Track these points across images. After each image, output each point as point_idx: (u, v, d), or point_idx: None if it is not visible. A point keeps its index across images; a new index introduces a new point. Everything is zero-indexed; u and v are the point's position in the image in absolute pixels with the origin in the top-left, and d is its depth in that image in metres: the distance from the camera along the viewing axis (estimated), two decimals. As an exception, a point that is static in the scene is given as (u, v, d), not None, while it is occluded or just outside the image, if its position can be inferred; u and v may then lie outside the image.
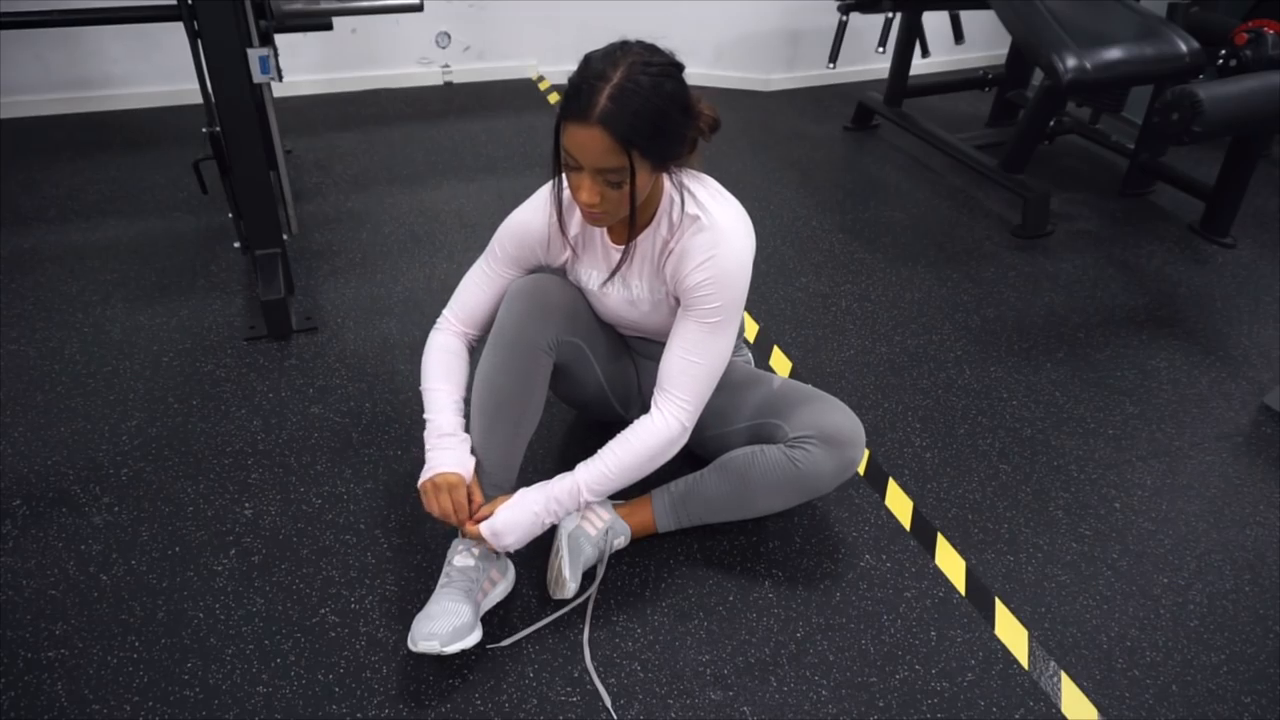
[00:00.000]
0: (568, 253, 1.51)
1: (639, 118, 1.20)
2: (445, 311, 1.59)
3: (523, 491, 1.45)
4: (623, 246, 1.44)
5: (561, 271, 1.56)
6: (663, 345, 1.46)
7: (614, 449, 1.44)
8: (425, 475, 1.45)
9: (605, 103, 1.19)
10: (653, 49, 1.26)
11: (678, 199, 1.38)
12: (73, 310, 2.23)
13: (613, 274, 1.47)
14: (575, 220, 1.46)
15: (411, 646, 1.34)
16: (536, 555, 1.55)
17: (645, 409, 1.46)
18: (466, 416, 1.52)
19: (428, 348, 1.56)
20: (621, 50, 1.23)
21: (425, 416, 1.50)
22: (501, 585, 1.50)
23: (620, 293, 1.51)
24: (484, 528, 1.42)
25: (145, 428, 1.87)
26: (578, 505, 1.45)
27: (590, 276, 1.53)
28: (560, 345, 1.50)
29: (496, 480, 1.49)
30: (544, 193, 1.47)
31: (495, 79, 3.86)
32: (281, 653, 1.43)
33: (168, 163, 2.96)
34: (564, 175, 1.31)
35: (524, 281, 1.50)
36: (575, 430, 1.92)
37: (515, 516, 1.42)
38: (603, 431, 1.65)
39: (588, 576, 1.54)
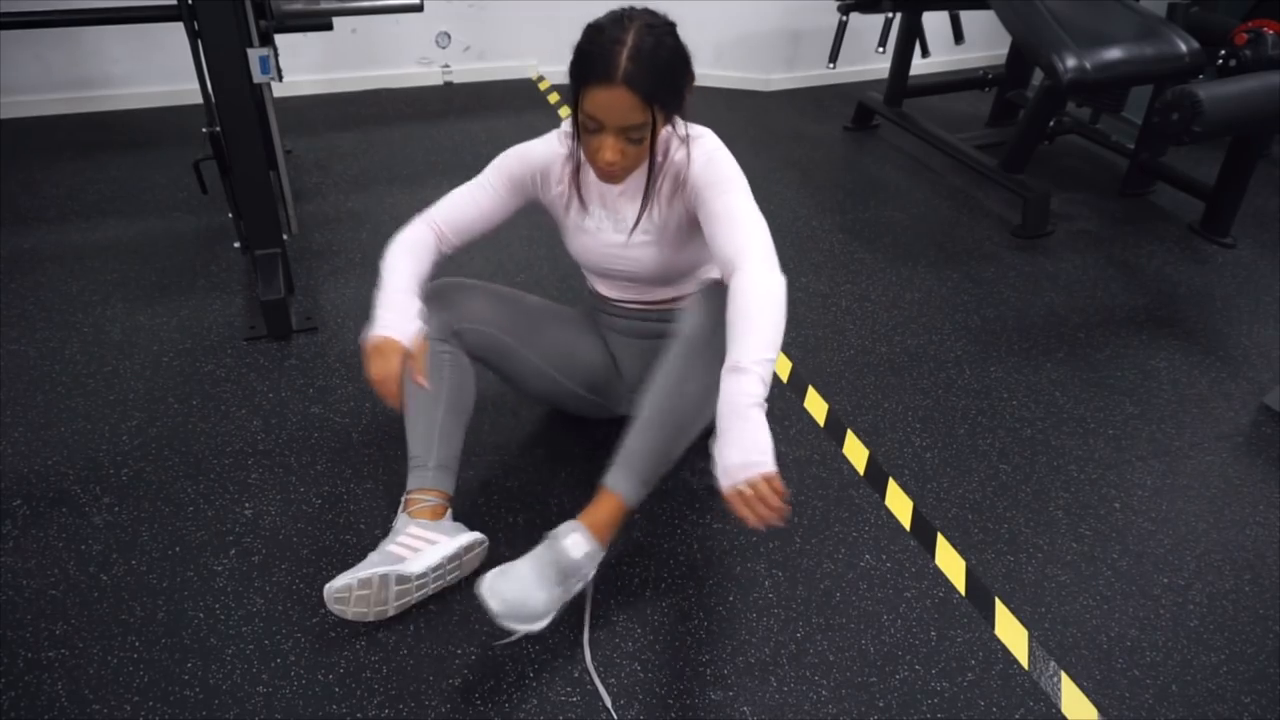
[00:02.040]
0: (563, 193, 1.55)
1: (657, 74, 1.29)
2: (427, 211, 1.56)
3: (721, 423, 1.22)
4: (619, 184, 1.50)
5: (547, 211, 1.61)
6: (646, 312, 1.54)
7: (745, 314, 1.26)
8: (368, 336, 1.42)
9: (626, 64, 1.26)
10: (650, 12, 1.34)
11: (671, 143, 1.47)
12: (73, 310, 2.23)
13: (642, 209, 1.50)
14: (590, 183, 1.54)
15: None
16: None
17: (631, 394, 1.48)
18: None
19: (393, 241, 1.52)
20: (626, 15, 1.31)
21: (379, 288, 1.47)
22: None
23: (613, 227, 1.55)
24: (727, 474, 1.17)
25: (145, 428, 1.87)
26: (763, 381, 1.21)
27: (584, 215, 1.57)
28: (464, 333, 1.57)
29: (424, 461, 1.51)
30: (552, 135, 1.54)
31: (495, 79, 3.86)
32: (281, 653, 1.43)
33: (168, 163, 2.96)
34: (578, 143, 1.38)
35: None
36: (570, 431, 1.92)
37: (740, 442, 1.18)
38: (595, 429, 1.65)
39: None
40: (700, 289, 1.47)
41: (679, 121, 1.45)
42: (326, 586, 1.38)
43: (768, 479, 1.16)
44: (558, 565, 1.32)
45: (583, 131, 1.36)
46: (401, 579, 1.42)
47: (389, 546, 1.45)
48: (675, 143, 1.47)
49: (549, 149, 1.54)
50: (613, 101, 1.29)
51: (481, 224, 1.57)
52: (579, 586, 1.38)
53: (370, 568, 1.41)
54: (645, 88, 1.28)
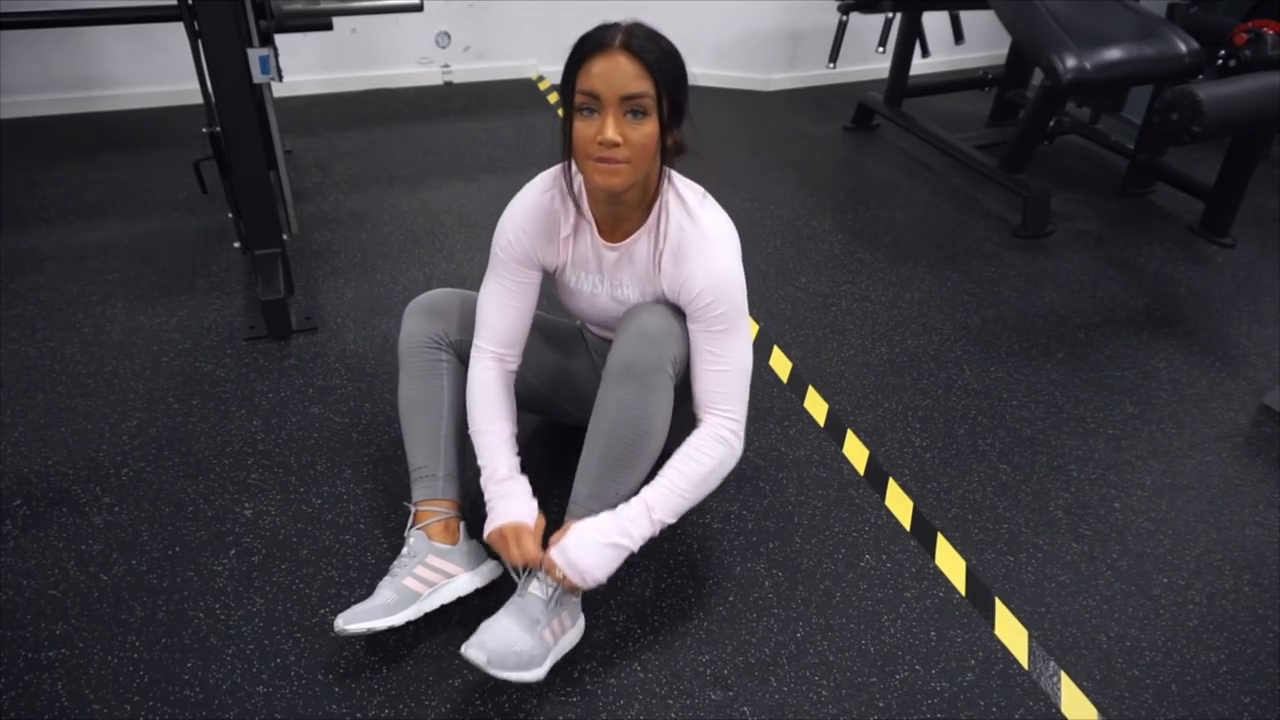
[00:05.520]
0: (556, 250, 1.47)
1: (659, 49, 1.25)
2: (475, 339, 1.52)
3: (584, 521, 1.38)
4: (615, 245, 1.43)
5: (554, 272, 1.53)
6: None
7: (676, 466, 1.39)
8: (492, 524, 1.41)
9: (623, 35, 1.23)
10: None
11: (670, 202, 1.38)
12: (73, 310, 2.23)
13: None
14: (570, 221, 1.45)
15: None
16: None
17: None
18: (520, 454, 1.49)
19: (469, 387, 1.50)
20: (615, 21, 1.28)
21: (479, 463, 1.46)
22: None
23: (609, 292, 1.49)
24: (557, 559, 1.33)
25: (145, 428, 1.87)
26: (652, 526, 1.36)
27: (578, 278, 1.51)
28: (457, 344, 1.55)
29: (432, 471, 1.50)
30: (531, 186, 1.46)
31: (495, 79, 3.86)
32: (281, 653, 1.43)
33: (168, 163, 2.96)
34: (574, 131, 1.28)
35: (416, 298, 1.57)
36: (566, 436, 1.92)
37: (583, 543, 1.34)
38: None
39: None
40: (628, 310, 1.44)
41: (679, 193, 1.39)
42: (344, 624, 1.34)
43: (570, 585, 1.35)
44: (528, 610, 1.36)
45: (578, 121, 1.25)
46: (418, 615, 1.42)
47: (405, 580, 1.42)
48: (669, 218, 1.38)
49: (533, 202, 1.45)
50: (612, 67, 1.21)
51: (527, 317, 1.51)
52: (565, 639, 1.40)
53: (389, 615, 1.37)
54: (647, 55, 1.22)
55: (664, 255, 1.39)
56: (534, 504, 1.44)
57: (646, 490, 1.39)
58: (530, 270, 1.48)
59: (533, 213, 1.45)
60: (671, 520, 1.39)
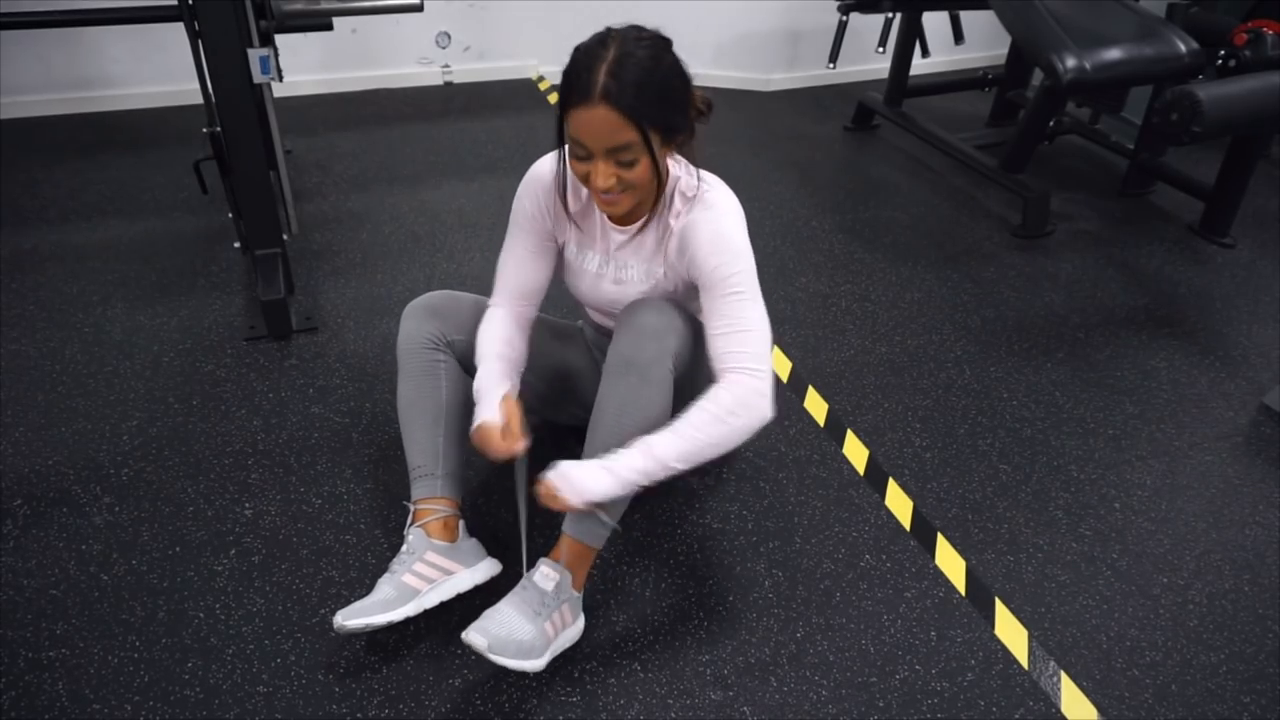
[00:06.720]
0: (565, 225, 1.50)
1: (642, 88, 1.21)
2: (492, 297, 1.55)
3: (612, 459, 1.34)
4: (624, 228, 1.44)
5: (562, 248, 1.54)
6: None
7: (682, 415, 1.33)
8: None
9: (605, 80, 1.20)
10: (639, 28, 1.27)
11: (679, 188, 1.40)
12: (73, 310, 2.23)
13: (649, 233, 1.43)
14: (577, 198, 1.46)
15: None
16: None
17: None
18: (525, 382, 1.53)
19: (478, 336, 1.52)
20: (609, 33, 1.25)
21: None
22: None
23: (614, 274, 1.50)
24: (550, 477, 1.31)
25: (145, 428, 1.87)
26: (645, 460, 1.31)
27: (584, 257, 1.52)
28: (454, 344, 1.55)
29: (431, 470, 1.50)
30: (551, 155, 1.48)
31: (495, 79, 3.86)
32: (281, 653, 1.43)
33: (168, 163, 2.96)
34: (569, 166, 1.32)
35: (413, 300, 1.58)
36: (567, 434, 1.92)
37: (576, 464, 1.33)
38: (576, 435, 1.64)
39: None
40: (626, 305, 1.45)
41: (689, 167, 1.40)
42: (343, 621, 1.34)
43: (561, 501, 1.30)
44: (531, 600, 1.37)
45: (573, 160, 1.30)
46: (418, 611, 1.42)
47: (404, 576, 1.42)
48: (681, 200, 1.40)
49: (551, 170, 1.47)
50: (594, 121, 1.21)
51: (543, 275, 1.53)
52: (565, 635, 1.40)
53: (389, 610, 1.37)
54: (627, 103, 1.20)
55: (673, 236, 1.41)
56: (496, 397, 1.41)
57: (653, 437, 1.34)
58: (546, 238, 1.51)
59: (547, 180, 1.47)
60: (679, 465, 1.31)
